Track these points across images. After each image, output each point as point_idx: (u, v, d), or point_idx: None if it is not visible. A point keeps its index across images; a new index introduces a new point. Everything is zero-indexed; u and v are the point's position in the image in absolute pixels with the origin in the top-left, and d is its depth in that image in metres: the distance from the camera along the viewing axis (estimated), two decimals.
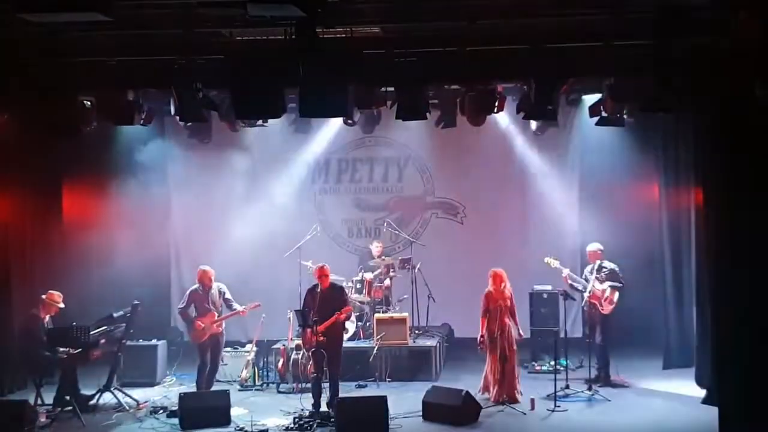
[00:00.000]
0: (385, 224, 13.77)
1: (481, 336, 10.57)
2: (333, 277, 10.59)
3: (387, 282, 12.88)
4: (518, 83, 10.80)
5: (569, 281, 11.36)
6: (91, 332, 10.47)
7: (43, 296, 10.64)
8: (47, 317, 10.60)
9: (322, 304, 10.12)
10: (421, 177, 14.42)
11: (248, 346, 11.99)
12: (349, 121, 11.48)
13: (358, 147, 14.19)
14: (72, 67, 9.84)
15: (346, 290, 11.43)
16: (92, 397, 10.56)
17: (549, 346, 11.71)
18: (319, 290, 10.20)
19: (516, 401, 10.38)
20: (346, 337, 11.35)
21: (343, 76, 8.85)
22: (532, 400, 10.31)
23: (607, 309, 11.19)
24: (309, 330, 10.08)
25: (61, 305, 10.66)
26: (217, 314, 10.84)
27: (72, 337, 10.32)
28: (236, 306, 10.94)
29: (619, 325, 11.43)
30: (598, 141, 12.78)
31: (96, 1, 6.65)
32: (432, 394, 10.08)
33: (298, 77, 8.75)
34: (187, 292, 11.04)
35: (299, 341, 10.99)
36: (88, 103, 10.65)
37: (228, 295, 11.00)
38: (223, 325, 10.97)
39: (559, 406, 10.20)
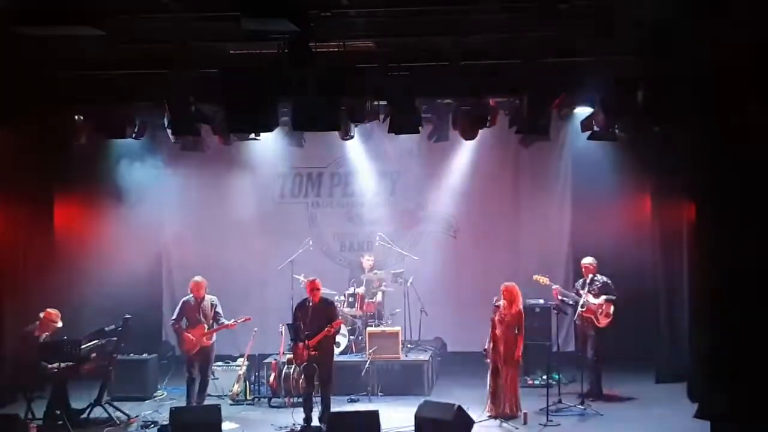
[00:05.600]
0: (378, 238, 13.72)
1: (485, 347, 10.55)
2: (325, 291, 10.57)
3: (379, 296, 12.86)
4: (511, 97, 10.83)
5: (560, 297, 11.36)
6: (82, 346, 10.43)
7: (41, 314, 10.51)
8: (44, 335, 10.47)
9: (313, 318, 10.10)
10: (413, 191, 14.37)
11: (240, 361, 11.94)
12: (343, 135, 11.47)
13: (351, 160, 14.16)
14: (64, 81, 9.83)
15: (338, 304, 11.44)
16: (83, 411, 10.52)
17: (541, 361, 11.67)
18: (309, 304, 10.19)
19: (511, 417, 10.30)
20: (337, 351, 11.33)
21: (336, 90, 8.87)
22: (525, 415, 10.31)
23: (603, 322, 11.19)
24: (300, 344, 10.07)
25: (59, 324, 10.54)
26: (207, 327, 10.72)
27: (63, 351, 10.25)
28: (224, 320, 10.83)
29: (611, 339, 11.43)
30: (591, 155, 12.77)
31: (89, 16, 6.65)
32: (424, 408, 10.02)
33: (291, 91, 8.76)
34: (179, 304, 10.97)
35: (291, 355, 10.96)
36: (80, 117, 10.64)
37: (219, 309, 10.89)
38: (214, 338, 10.85)
39: (551, 421, 10.19)
